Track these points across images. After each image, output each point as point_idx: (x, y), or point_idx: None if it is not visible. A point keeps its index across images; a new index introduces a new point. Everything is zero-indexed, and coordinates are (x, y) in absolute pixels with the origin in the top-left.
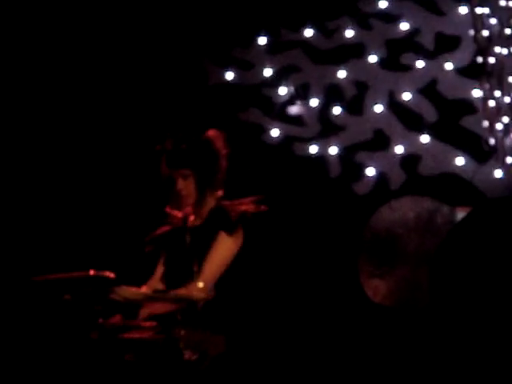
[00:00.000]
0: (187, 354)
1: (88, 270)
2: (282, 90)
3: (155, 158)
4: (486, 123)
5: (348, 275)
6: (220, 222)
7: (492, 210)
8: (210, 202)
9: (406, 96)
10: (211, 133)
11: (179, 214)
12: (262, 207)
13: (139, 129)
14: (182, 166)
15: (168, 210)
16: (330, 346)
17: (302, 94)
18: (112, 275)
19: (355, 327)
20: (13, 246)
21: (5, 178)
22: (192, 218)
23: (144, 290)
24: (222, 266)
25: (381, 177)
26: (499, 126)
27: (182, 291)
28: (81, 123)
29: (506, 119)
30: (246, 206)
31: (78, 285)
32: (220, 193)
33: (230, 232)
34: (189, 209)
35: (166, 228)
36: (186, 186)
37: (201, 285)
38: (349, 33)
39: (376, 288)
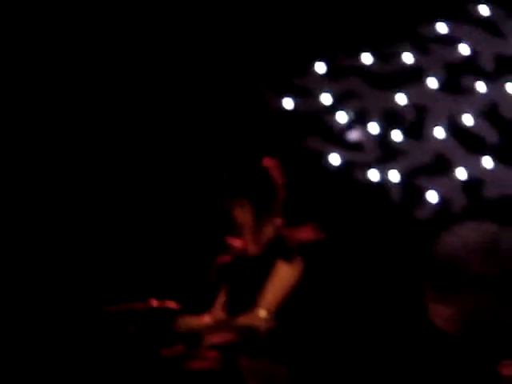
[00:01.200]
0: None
1: (151, 301)
2: (341, 116)
3: (214, 188)
4: None
5: (412, 302)
6: (279, 250)
7: None
8: (269, 231)
9: (467, 119)
10: (267, 162)
11: (239, 244)
12: (322, 235)
13: (200, 159)
14: (240, 195)
15: (228, 239)
16: (397, 375)
17: (360, 120)
18: (174, 305)
19: (421, 357)
20: (78, 276)
21: (62, 209)
22: (251, 247)
23: (206, 319)
24: (282, 295)
25: (442, 201)
26: None
27: (243, 320)
28: (139, 150)
29: None
30: (306, 233)
31: (141, 315)
32: (279, 221)
33: (289, 260)
34: (248, 238)
35: (226, 258)
36: (244, 215)
37: (262, 314)
38: (407, 57)
39: (438, 312)
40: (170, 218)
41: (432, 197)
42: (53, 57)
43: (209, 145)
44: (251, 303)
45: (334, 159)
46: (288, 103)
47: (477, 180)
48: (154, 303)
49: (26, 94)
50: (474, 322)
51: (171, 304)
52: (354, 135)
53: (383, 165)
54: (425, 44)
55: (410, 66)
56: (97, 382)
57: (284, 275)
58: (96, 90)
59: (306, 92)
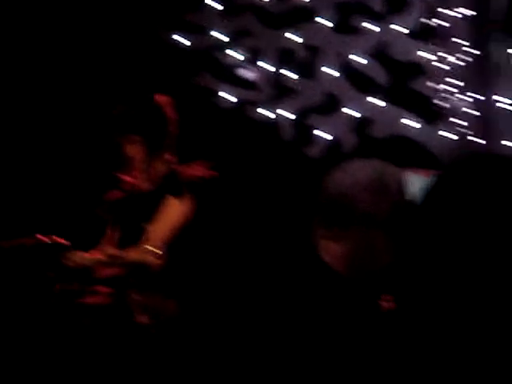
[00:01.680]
0: (139, 317)
1: (39, 237)
2: (234, 54)
3: (105, 122)
4: (434, 85)
5: (301, 239)
6: (169, 186)
7: (458, 171)
8: (160, 167)
9: (357, 59)
10: (160, 98)
11: (129, 179)
12: (213, 172)
13: (90, 93)
14: (131, 131)
15: (118, 174)
16: (282, 311)
17: (254, 58)
18: (63, 241)
19: (308, 290)
20: None
21: None
22: (142, 182)
23: (96, 255)
24: (172, 230)
25: (333, 140)
26: (448, 88)
27: (133, 255)
28: (33, 80)
29: (455, 81)
30: (197, 170)
31: (29, 251)
32: (170, 158)
33: (180, 196)
34: (138, 173)
35: (116, 193)
36: (134, 151)
37: (151, 249)
38: None
39: (328, 249)
40: (60, 153)
41: (323, 135)
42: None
43: (101, 79)
44: (141, 238)
45: (227, 97)
46: (181, 40)
47: (366, 119)
48: (43, 239)
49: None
50: (363, 258)
51: (60, 239)
52: (246, 73)
53: (275, 103)
54: None
55: (302, 4)
56: None
57: (174, 211)
58: None
59: (199, 29)
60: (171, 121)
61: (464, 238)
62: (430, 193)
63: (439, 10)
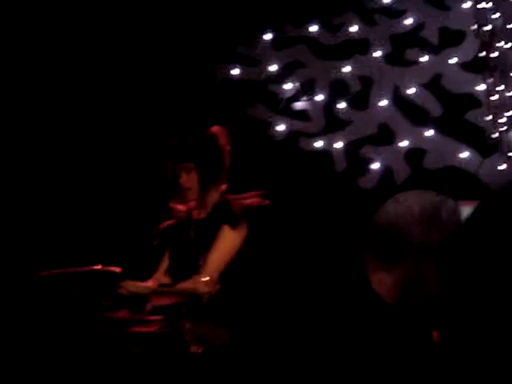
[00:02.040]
0: (193, 347)
1: (94, 265)
2: (288, 86)
3: (160, 153)
4: (489, 117)
5: (354, 269)
6: (223, 215)
7: (501, 201)
8: (214, 196)
9: (411, 90)
10: (215, 129)
11: (183, 208)
12: (266, 201)
13: (146, 125)
14: (186, 160)
15: (172, 204)
16: (334, 340)
17: (307, 90)
18: (118, 270)
19: (360, 322)
20: (19, 241)
21: (7, 175)
22: (196, 211)
23: (150, 283)
24: (226, 260)
25: (386, 171)
26: (502, 120)
27: (186, 284)
28: (84, 117)
29: (509, 113)
30: (250, 199)
31: (84, 279)
32: (224, 187)
33: (234, 226)
34: (192, 203)
35: (170, 222)
36: (189, 180)
37: (205, 278)
38: (353, 28)
39: (381, 280)
40: (116, 183)
41: (375, 166)
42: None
43: (158, 111)
44: (194, 268)
45: (280, 128)
46: (235, 72)
47: (419, 150)
48: (98, 267)
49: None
50: (413, 288)
51: (115, 268)
52: (299, 105)
53: (328, 134)
54: (371, 15)
55: (356, 36)
56: (39, 345)
57: (228, 240)
58: None
59: (253, 61)
60: (225, 151)
61: (506, 267)
62: (472, 221)
63: (495, 43)
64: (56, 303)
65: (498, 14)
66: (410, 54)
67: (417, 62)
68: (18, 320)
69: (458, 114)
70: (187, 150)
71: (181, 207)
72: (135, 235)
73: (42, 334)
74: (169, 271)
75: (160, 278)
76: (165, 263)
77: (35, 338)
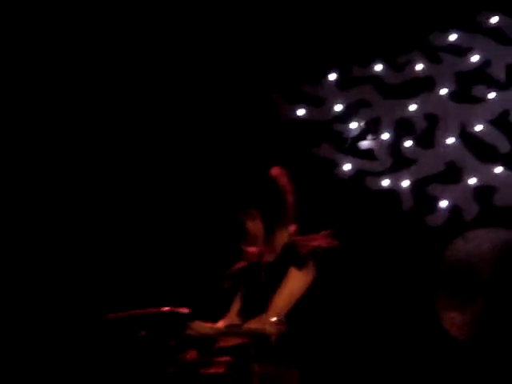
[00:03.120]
0: None
1: (163, 307)
2: (353, 125)
3: (228, 200)
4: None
5: (425, 308)
6: (291, 257)
7: None
8: (282, 238)
9: (478, 128)
10: (275, 171)
11: (254, 250)
12: (335, 242)
13: (214, 165)
14: (249, 207)
15: (243, 246)
16: (407, 381)
17: (373, 129)
18: (186, 311)
19: (432, 361)
20: (89, 283)
21: (73, 216)
22: (266, 254)
23: (220, 325)
24: (292, 301)
25: (454, 209)
26: None
27: (254, 325)
28: (145, 160)
29: None
30: (319, 240)
31: (153, 321)
32: (292, 228)
33: (300, 267)
34: (262, 245)
35: (242, 264)
36: (255, 226)
37: (272, 318)
38: (419, 66)
39: (452, 320)
40: (186, 225)
41: (443, 204)
42: (52, 57)
43: (223, 152)
44: (264, 309)
45: (347, 167)
46: (301, 112)
47: (488, 187)
48: (167, 309)
49: (26, 94)
50: (487, 328)
51: (183, 310)
52: (365, 144)
53: (395, 173)
54: (436, 53)
55: (422, 75)
56: None
57: (295, 282)
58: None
59: (318, 101)
60: (287, 191)
61: None
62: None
63: None
64: (124, 346)
65: None
66: (476, 91)
67: (484, 99)
68: (88, 363)
69: None
70: (249, 197)
71: (252, 250)
72: (207, 277)
73: (112, 377)
74: (240, 313)
75: (232, 319)
76: (237, 305)
77: (106, 381)
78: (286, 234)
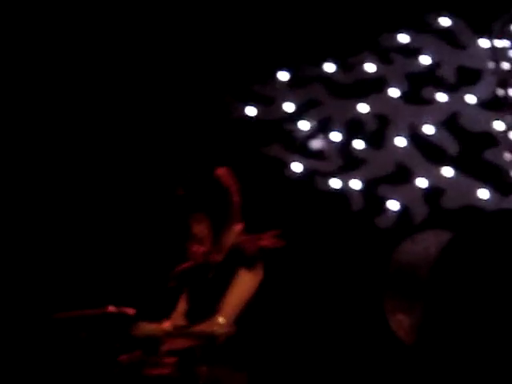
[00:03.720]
0: None
1: (107, 307)
2: (304, 125)
3: (170, 201)
4: (508, 156)
5: (372, 310)
6: (239, 258)
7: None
8: (229, 238)
9: (428, 129)
10: (219, 171)
11: (200, 251)
12: (282, 242)
13: (158, 165)
14: (195, 211)
15: (189, 246)
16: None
17: (323, 129)
18: (132, 311)
19: (381, 364)
20: (34, 282)
21: (26, 209)
22: (213, 254)
23: (165, 325)
24: (242, 302)
25: (403, 210)
26: None
27: (202, 327)
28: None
29: None
30: (266, 240)
31: (98, 321)
32: (239, 227)
33: (249, 267)
34: (209, 246)
35: (187, 264)
36: (202, 230)
37: (221, 320)
38: (369, 67)
39: (400, 323)
40: (131, 224)
41: (393, 205)
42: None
43: (170, 151)
44: (211, 310)
45: (296, 167)
46: (251, 111)
47: (437, 189)
48: (111, 309)
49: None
50: (427, 332)
51: (129, 310)
52: (316, 144)
53: (345, 173)
54: (387, 54)
55: (372, 75)
56: None
57: (244, 282)
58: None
59: (268, 100)
60: (232, 191)
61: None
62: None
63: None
64: (70, 345)
65: None
66: (426, 92)
67: (433, 101)
68: (34, 361)
69: (475, 153)
70: (194, 200)
71: (198, 250)
72: (151, 277)
73: (57, 376)
74: (186, 314)
75: (177, 320)
76: (182, 306)
77: (50, 381)
78: (232, 234)
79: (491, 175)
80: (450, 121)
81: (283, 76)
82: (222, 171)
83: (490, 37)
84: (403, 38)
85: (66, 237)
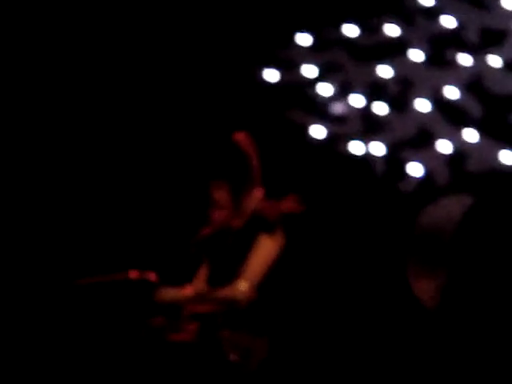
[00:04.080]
0: (231, 356)
1: (131, 272)
2: (325, 89)
3: (193, 167)
4: None
5: (396, 275)
6: (260, 223)
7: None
8: (250, 203)
9: (451, 92)
10: (238, 136)
11: (222, 217)
12: (302, 206)
13: (182, 131)
14: (215, 177)
15: (210, 212)
16: (379, 348)
17: (344, 93)
18: (154, 277)
19: (405, 330)
20: (56, 249)
21: (43, 179)
22: (234, 220)
23: (187, 291)
24: (264, 267)
25: (426, 175)
26: None
27: (224, 292)
28: (126, 126)
29: None
30: (288, 205)
31: (121, 287)
32: (260, 193)
33: (270, 233)
34: (230, 212)
35: (209, 230)
36: (222, 196)
37: (243, 286)
38: (392, 29)
39: (423, 287)
40: (154, 191)
41: (416, 170)
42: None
43: (193, 118)
44: (232, 276)
45: (317, 132)
46: (271, 75)
47: (460, 153)
48: (134, 274)
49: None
50: (451, 296)
51: (151, 275)
52: (337, 108)
53: (367, 138)
54: (409, 16)
55: (395, 38)
56: (78, 354)
57: (265, 248)
58: None
59: (289, 64)
60: (251, 157)
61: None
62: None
63: None
64: (93, 311)
65: None
66: (450, 54)
67: (457, 63)
68: (57, 328)
69: (500, 116)
70: (215, 166)
71: (219, 216)
72: (174, 242)
73: (80, 342)
74: (207, 279)
75: (198, 285)
76: (203, 271)
77: (74, 347)
78: (253, 200)
79: None
80: (474, 83)
81: (304, 39)
82: (240, 136)
83: None
84: (426, 0)
85: (90, 203)
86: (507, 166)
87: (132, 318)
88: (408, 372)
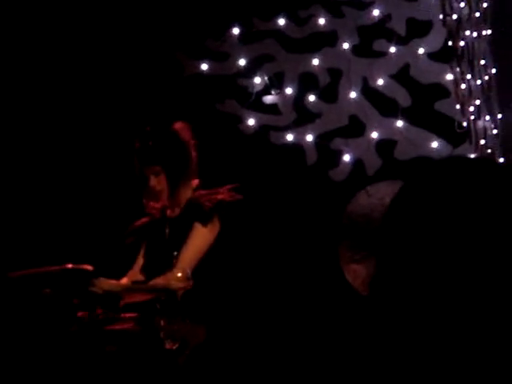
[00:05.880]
0: (168, 344)
1: (66, 264)
2: (257, 80)
3: (128, 154)
4: (458, 106)
5: (327, 261)
6: (195, 212)
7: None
8: (186, 193)
9: (380, 82)
10: (177, 125)
11: (157, 206)
12: (238, 196)
13: (113, 123)
14: (152, 164)
15: (145, 202)
16: (310, 333)
17: (276, 83)
18: (90, 268)
19: (334, 314)
20: None
21: None
22: (169, 209)
23: (124, 281)
24: (198, 255)
25: (357, 163)
26: (471, 109)
27: (159, 281)
28: (53, 117)
29: (477, 101)
30: (222, 195)
31: (56, 279)
32: (195, 183)
33: (205, 222)
34: (165, 201)
35: (144, 220)
36: (159, 182)
37: (178, 274)
38: (321, 21)
39: (355, 272)
40: (87, 181)
41: (346, 158)
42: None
43: (126, 109)
44: (168, 265)
45: (251, 122)
46: (204, 67)
47: (390, 141)
48: (70, 266)
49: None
50: (382, 282)
51: (86, 266)
52: (269, 98)
53: (299, 127)
54: (338, 7)
55: (324, 29)
56: (12, 347)
57: (200, 236)
58: None
59: (221, 56)
60: (190, 146)
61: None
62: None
63: (461, 32)
64: (27, 304)
65: (463, 3)
66: (377, 45)
67: (385, 53)
68: None
69: (427, 104)
70: (151, 152)
71: (155, 205)
72: (109, 233)
73: (13, 336)
74: (143, 269)
75: (135, 275)
76: (140, 261)
77: (6, 341)
78: (189, 189)
79: (442, 126)
80: (402, 73)
81: (236, 31)
82: (179, 125)
83: None
84: None
85: (23, 194)
86: (435, 153)
87: (68, 310)
88: (341, 358)
